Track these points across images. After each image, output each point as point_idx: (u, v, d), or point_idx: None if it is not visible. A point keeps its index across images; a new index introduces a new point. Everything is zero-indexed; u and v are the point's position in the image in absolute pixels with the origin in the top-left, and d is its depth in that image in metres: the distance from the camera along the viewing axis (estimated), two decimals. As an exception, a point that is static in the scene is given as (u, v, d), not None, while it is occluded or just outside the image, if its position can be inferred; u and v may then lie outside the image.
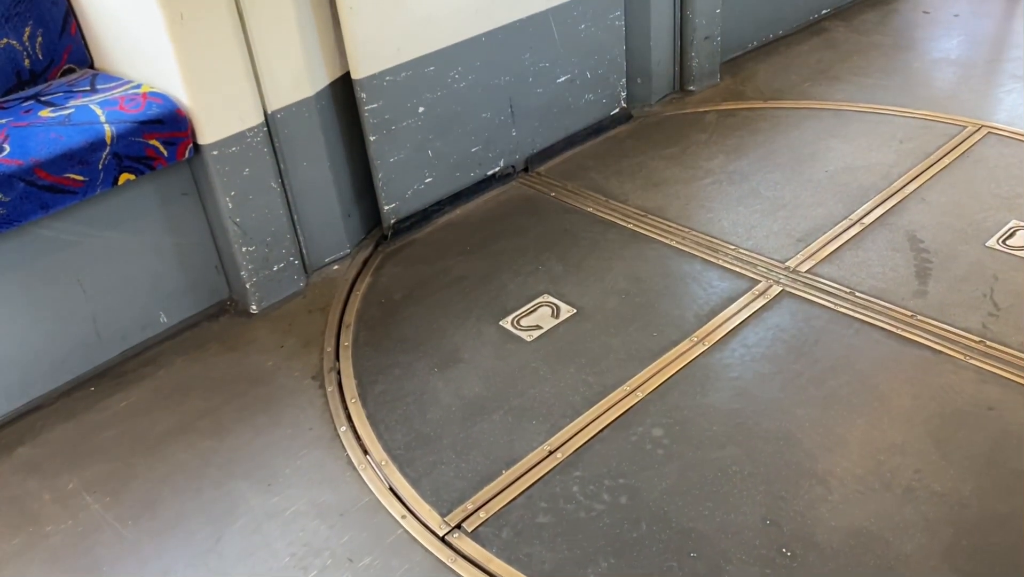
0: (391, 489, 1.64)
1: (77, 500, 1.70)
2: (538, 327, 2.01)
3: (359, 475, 1.69)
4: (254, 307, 2.18)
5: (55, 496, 1.71)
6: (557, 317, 2.03)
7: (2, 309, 1.85)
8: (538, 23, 2.51)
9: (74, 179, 1.80)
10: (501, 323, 2.04)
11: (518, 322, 2.03)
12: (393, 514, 1.60)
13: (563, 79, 2.65)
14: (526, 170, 2.67)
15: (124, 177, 1.88)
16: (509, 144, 2.59)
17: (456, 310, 2.10)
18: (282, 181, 2.14)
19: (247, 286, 2.14)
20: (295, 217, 2.21)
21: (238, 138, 2.00)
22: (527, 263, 2.24)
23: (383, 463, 1.69)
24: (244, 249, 2.10)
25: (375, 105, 2.23)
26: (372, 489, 1.66)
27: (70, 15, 2.07)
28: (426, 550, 1.53)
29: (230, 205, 2.04)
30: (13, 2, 1.98)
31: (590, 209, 2.44)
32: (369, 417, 1.81)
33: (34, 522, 1.66)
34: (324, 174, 2.24)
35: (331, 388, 1.91)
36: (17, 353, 1.90)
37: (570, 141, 2.76)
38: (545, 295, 2.11)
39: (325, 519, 1.60)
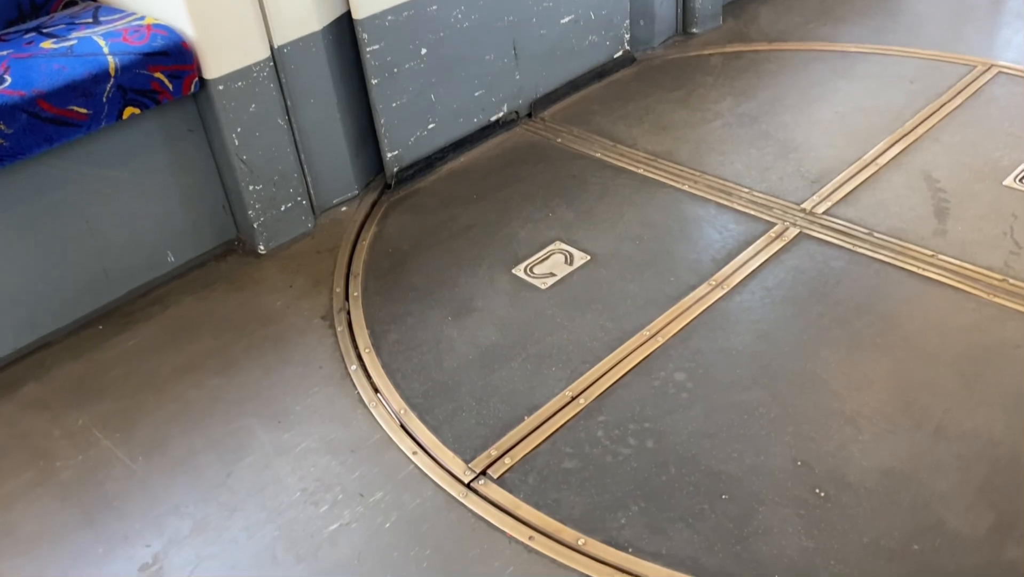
0: (412, 438, 1.61)
1: (86, 436, 1.68)
2: (552, 274, 1.97)
3: (370, 413, 1.67)
4: (262, 247, 2.13)
5: (64, 432, 1.69)
6: (571, 264, 1.99)
7: (8, 246, 1.81)
8: (542, -39, 2.42)
9: (78, 112, 1.74)
10: (513, 271, 1.99)
11: (531, 270, 1.99)
12: (404, 451, 1.59)
13: (567, 19, 2.57)
14: (530, 115, 2.60)
15: (129, 111, 1.82)
16: (512, 88, 2.52)
17: (467, 259, 2.05)
18: (289, 119, 2.08)
19: (254, 226, 2.10)
20: (302, 156, 2.15)
21: (244, 73, 1.94)
22: (536, 210, 2.19)
23: (402, 411, 1.66)
24: (251, 188, 2.05)
25: (377, 46, 2.15)
26: (383, 426, 1.64)
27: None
28: (437, 485, 1.52)
29: (236, 142, 1.98)
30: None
31: (598, 154, 2.39)
32: (384, 367, 1.77)
33: (44, 457, 1.64)
34: (331, 113, 2.18)
35: (341, 328, 1.87)
36: (24, 290, 1.87)
37: (574, 85, 2.70)
38: (557, 242, 2.07)
39: (336, 455, 1.59)
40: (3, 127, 1.65)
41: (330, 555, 1.42)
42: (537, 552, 1.39)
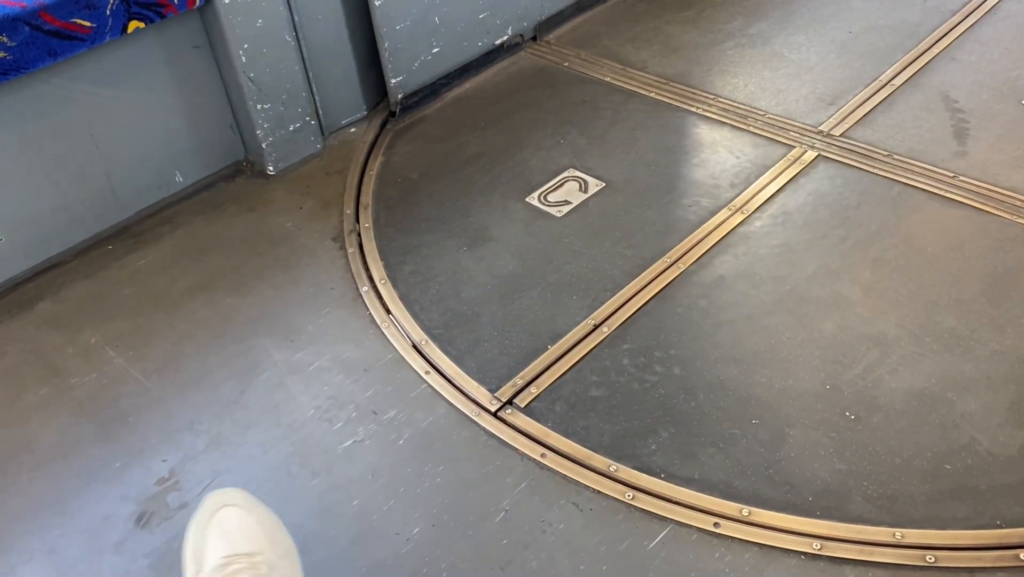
0: (426, 359, 1.60)
1: (100, 354, 1.67)
2: (567, 202, 1.93)
3: (382, 333, 1.67)
4: (271, 168, 2.10)
5: (78, 350, 1.69)
6: (586, 191, 1.95)
7: (16, 164, 1.78)
8: None
9: (81, 25, 1.68)
10: (527, 199, 1.95)
11: (545, 198, 1.95)
12: (417, 370, 1.59)
13: (573, -62, 2.47)
14: (535, 39, 2.52)
15: (133, 24, 1.76)
16: (517, 10, 2.44)
17: (479, 188, 2.01)
18: (296, 35, 2.02)
19: (263, 146, 2.06)
20: (310, 75, 2.10)
21: None
22: (547, 137, 2.14)
23: (423, 342, 1.64)
24: (259, 107, 2.00)
25: (380, -35, 2.06)
26: (396, 346, 1.64)
27: None
28: (450, 405, 1.52)
29: (243, 59, 1.93)
30: None
31: (608, 78, 2.32)
32: (402, 298, 1.75)
33: (58, 374, 1.64)
34: (340, 30, 2.12)
35: (352, 249, 1.86)
36: (33, 210, 1.84)
37: (579, 6, 2.61)
38: (571, 169, 2.02)
39: (349, 374, 1.59)
40: (5, 39, 1.60)
41: (345, 470, 1.43)
42: (549, 468, 1.40)
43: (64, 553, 1.36)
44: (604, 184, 1.96)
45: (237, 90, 2.01)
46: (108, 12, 1.71)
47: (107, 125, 1.89)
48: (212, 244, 1.93)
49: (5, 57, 1.63)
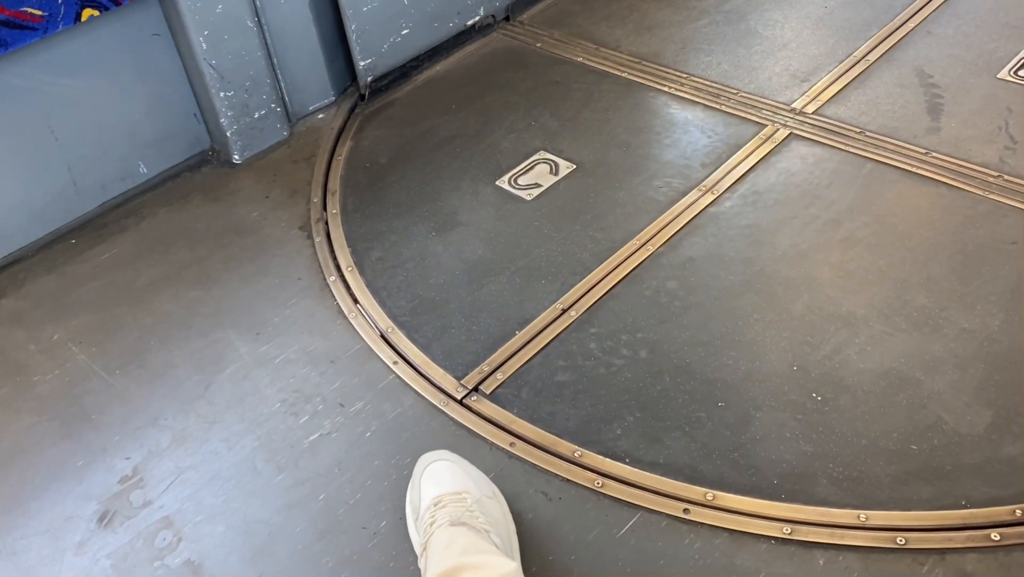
0: (393, 348, 1.58)
1: (63, 350, 1.65)
2: (537, 185, 1.91)
3: (349, 323, 1.65)
4: (237, 157, 2.07)
5: (41, 347, 1.67)
6: (556, 174, 1.93)
7: None
8: None
9: (32, 13, 1.64)
10: (497, 183, 1.93)
11: (515, 181, 1.93)
12: (384, 361, 1.57)
13: (543, -85, 2.43)
14: (508, 19, 2.49)
15: (87, 12, 1.72)
16: (488, -9, 2.40)
17: (448, 172, 1.98)
18: (259, 20, 1.98)
19: (228, 134, 2.03)
20: (274, 60, 2.07)
21: None
22: (519, 119, 2.11)
23: (389, 330, 1.62)
24: (222, 94, 1.97)
25: (344, -55, 2.02)
26: (363, 336, 1.62)
27: None
28: (418, 395, 1.50)
29: (204, 46, 1.89)
30: None
31: (580, 59, 2.29)
32: (368, 285, 1.72)
33: (20, 372, 1.62)
34: (304, 13, 2.08)
35: (319, 238, 1.83)
36: None
37: (552, -14, 2.57)
38: (541, 152, 2.00)
39: (315, 366, 1.57)
40: None
41: (310, 464, 1.42)
42: (518, 458, 1.39)
43: (24, 555, 1.34)
44: (575, 166, 1.94)
45: (199, 78, 1.97)
46: (60, 0, 1.67)
47: (65, 116, 1.85)
48: (177, 236, 1.90)
49: (-46, 48, 1.59)
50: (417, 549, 1.22)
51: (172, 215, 1.96)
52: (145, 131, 2.00)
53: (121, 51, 1.88)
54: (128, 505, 1.40)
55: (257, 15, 1.98)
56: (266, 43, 2.03)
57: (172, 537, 1.35)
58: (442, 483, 1.24)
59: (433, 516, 1.17)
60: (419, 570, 1.17)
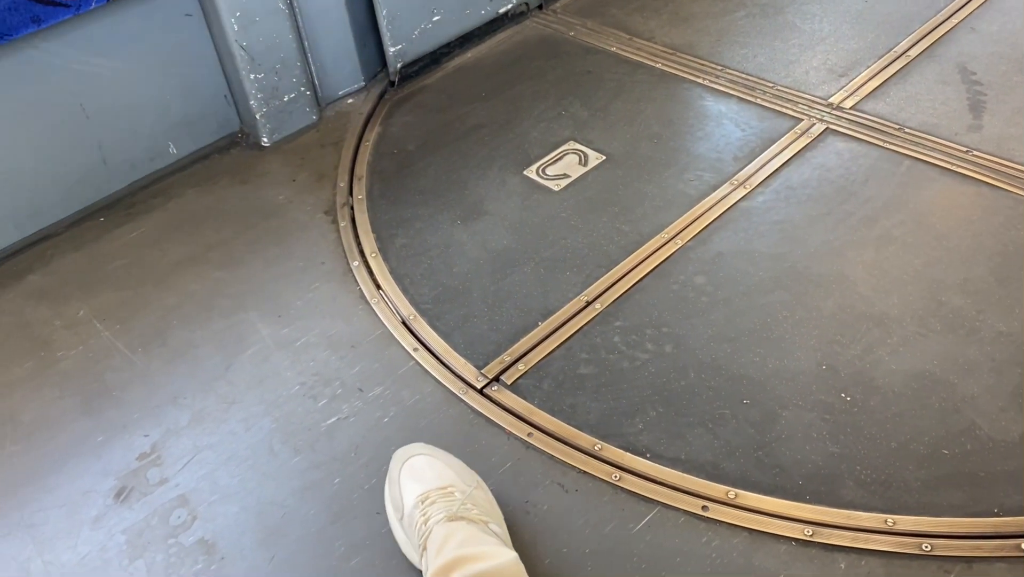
0: (414, 335, 1.56)
1: (87, 327, 1.66)
2: (566, 175, 1.88)
3: (371, 309, 1.64)
4: (265, 139, 2.07)
5: (65, 323, 1.67)
6: (585, 165, 1.90)
7: (4, 134, 1.76)
8: None
9: None
10: (525, 172, 1.91)
11: (544, 171, 1.90)
12: (405, 347, 1.56)
13: (580, -97, 2.40)
14: (540, 7, 2.46)
15: None
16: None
17: (476, 160, 1.96)
18: (290, 2, 1.98)
19: (257, 117, 2.03)
20: (305, 44, 2.06)
21: None
22: (549, 109, 2.08)
23: (411, 317, 1.61)
24: (252, 77, 1.97)
25: (377, -71, 2.01)
26: (384, 323, 1.61)
27: None
28: (437, 382, 1.49)
29: (235, 27, 1.89)
30: None
31: (613, 48, 2.26)
32: (392, 272, 1.71)
33: (45, 347, 1.63)
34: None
35: (344, 223, 1.83)
36: (24, 180, 1.83)
37: (587, -25, 2.54)
38: (571, 142, 1.97)
39: (336, 350, 1.56)
40: None
41: (327, 448, 1.41)
42: (535, 448, 1.37)
43: (42, 527, 1.35)
44: (604, 157, 1.91)
45: (230, 60, 1.97)
46: (93, -23, 1.68)
47: (97, 95, 1.86)
48: (204, 216, 1.91)
49: (-10, 26, 1.60)
50: (404, 549, 1.21)
51: (200, 196, 1.96)
52: (175, 112, 2.01)
53: (153, 31, 1.88)
54: (145, 482, 1.40)
55: (290, -3, 1.98)
56: (297, 26, 2.02)
57: (187, 515, 1.34)
58: (424, 479, 1.21)
59: (425, 514, 1.15)
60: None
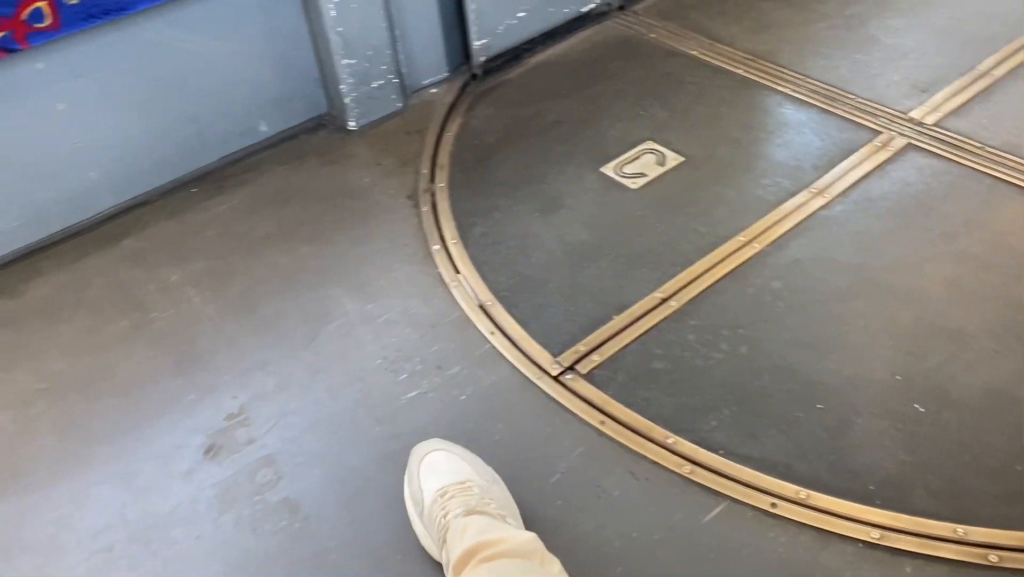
0: (491, 319, 1.61)
1: (179, 292, 1.74)
2: (643, 175, 1.92)
3: (450, 292, 1.69)
4: (352, 124, 2.14)
5: (159, 286, 1.76)
6: (663, 165, 1.93)
7: (110, 103, 1.86)
8: None
9: None
10: (603, 169, 1.94)
11: (621, 169, 1.94)
12: (482, 330, 1.61)
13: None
14: (622, 8, 2.50)
15: None
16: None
17: (555, 155, 2.01)
18: None
19: (346, 101, 2.10)
20: (396, 33, 2.12)
21: None
22: (628, 108, 2.12)
23: (488, 303, 1.66)
24: (344, 62, 2.04)
25: (473, -74, 2.06)
26: (462, 306, 1.66)
27: None
28: (513, 367, 1.54)
29: (333, 13, 1.96)
30: None
31: (694, 52, 2.29)
32: (471, 258, 1.76)
33: (139, 308, 1.72)
34: (427, -8, 2.14)
35: (425, 209, 1.89)
36: (124, 149, 1.92)
37: (670, -21, 2.56)
38: (649, 142, 2.00)
39: (416, 328, 1.62)
40: None
41: (407, 420, 1.46)
42: (608, 436, 1.40)
43: (136, 477, 1.43)
44: (683, 159, 1.94)
45: (324, 44, 2.04)
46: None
47: (197, 71, 1.94)
48: (292, 194, 1.98)
49: (109, -2, 1.68)
50: (424, 543, 1.25)
51: (288, 174, 2.04)
52: (268, 91, 2.08)
53: (253, 13, 1.96)
54: (233, 441, 1.47)
55: (384, -13, 2.04)
56: (390, 16, 2.09)
57: (272, 475, 1.41)
58: (442, 474, 1.23)
59: (444, 508, 1.16)
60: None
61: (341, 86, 2.09)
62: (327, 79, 2.13)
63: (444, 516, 1.15)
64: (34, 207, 1.87)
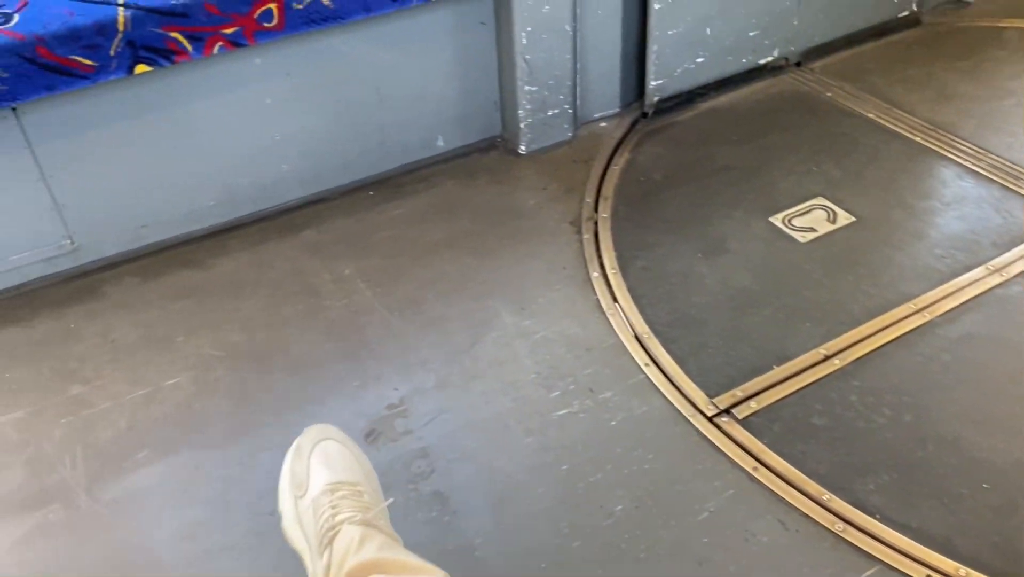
0: (646, 351, 1.64)
1: (352, 285, 1.84)
2: (812, 229, 1.91)
3: (607, 319, 1.73)
4: (523, 148, 2.22)
5: (333, 277, 1.87)
6: (833, 222, 1.92)
7: (311, 102, 2.00)
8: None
9: None
10: (771, 219, 1.95)
11: (790, 221, 1.94)
12: (636, 360, 1.63)
13: (860, -29, 2.43)
14: (799, 64, 2.50)
15: None
16: (788, 33, 2.43)
17: (722, 199, 2.02)
18: (575, 25, 2.12)
19: (521, 126, 2.19)
20: (578, 65, 2.19)
21: None
22: (800, 162, 2.12)
23: (645, 335, 1.68)
24: (526, 88, 2.13)
25: (668, -28, 2.12)
26: (618, 333, 1.69)
27: None
28: (665, 400, 1.55)
29: (524, 41, 2.06)
30: None
31: (871, 115, 2.27)
32: (630, 290, 1.80)
33: (315, 295, 1.83)
34: (614, 27, 2.22)
35: (588, 236, 1.94)
36: (315, 146, 2.06)
37: (851, 40, 2.56)
38: (820, 198, 2.00)
39: (571, 349, 1.66)
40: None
41: (557, 436, 1.50)
42: (760, 483, 1.40)
43: (304, 448, 1.51)
44: (854, 219, 1.93)
45: (510, 70, 2.13)
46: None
47: (390, 83, 2.06)
48: (462, 207, 2.07)
49: (328, 6, 1.82)
50: (287, 525, 1.15)
51: (460, 188, 2.13)
52: (450, 109, 2.19)
53: (447, 34, 2.07)
54: (392, 429, 1.54)
55: (575, 21, 2.11)
56: (575, 48, 2.16)
57: (426, 467, 1.47)
58: (336, 468, 1.15)
59: (336, 506, 1.09)
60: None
61: (519, 111, 2.17)
62: (506, 103, 2.22)
63: (334, 515, 1.09)
64: (230, 190, 2.02)
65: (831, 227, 1.91)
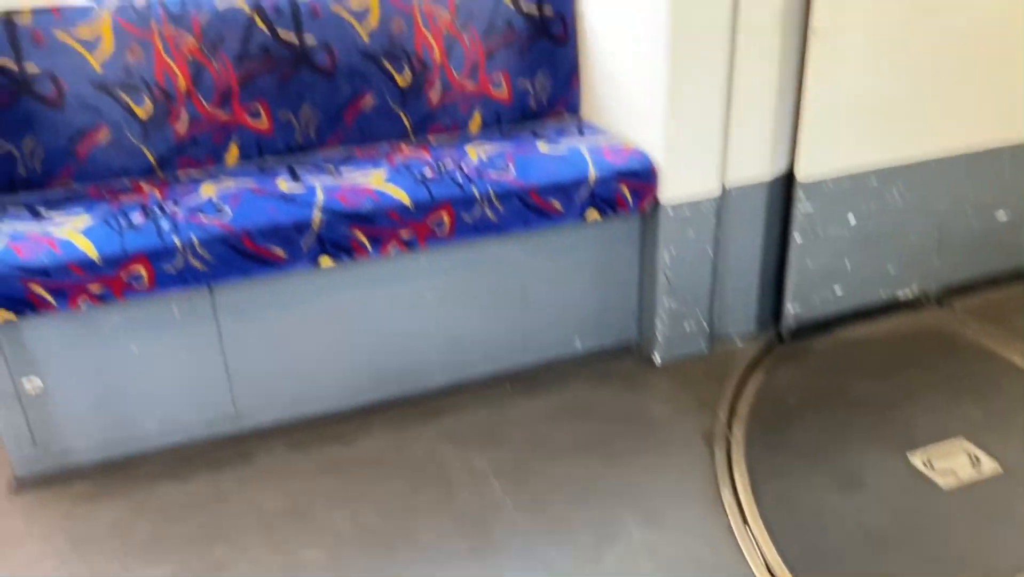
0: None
1: (483, 478, 1.90)
2: (953, 473, 1.86)
3: (737, 545, 1.70)
4: (657, 357, 2.29)
5: (465, 467, 1.94)
6: (978, 469, 1.87)
7: (461, 300, 2.15)
8: (993, 157, 2.38)
9: (554, 206, 2.05)
10: (909, 457, 1.91)
11: (930, 462, 1.90)
12: None
13: (1003, 218, 2.48)
14: (939, 302, 2.51)
15: (592, 215, 2.10)
16: (927, 271, 2.47)
17: (857, 431, 2.01)
18: (715, 250, 2.23)
19: (658, 337, 2.27)
20: (716, 285, 2.28)
21: (694, 204, 2.16)
22: (939, 401, 2.09)
23: (777, 567, 1.64)
24: (666, 302, 2.22)
25: (810, 208, 2.24)
26: (749, 563, 1.65)
27: (575, 71, 2.39)
28: None
29: (667, 259, 2.18)
30: (538, 55, 2.33)
31: (1016, 360, 2.23)
32: (762, 517, 1.78)
33: (447, 484, 1.90)
34: (753, 255, 2.32)
35: (719, 453, 1.94)
36: (461, 337, 2.19)
37: (995, 281, 2.57)
38: (962, 440, 1.95)
39: (700, 572, 1.64)
40: (500, 207, 2.00)
41: None
42: None
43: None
44: (1002, 469, 1.87)
45: (651, 283, 2.25)
46: (578, 200, 2.07)
47: (538, 283, 2.20)
48: (594, 409, 2.13)
49: (493, 220, 2.01)
50: None
51: (593, 390, 2.20)
52: (590, 313, 2.30)
53: (594, 247, 2.22)
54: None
55: (716, 245, 2.23)
56: (715, 269, 2.27)
57: None
58: None
59: None
60: None
61: (656, 322, 2.26)
62: (643, 313, 2.32)
63: None
64: (380, 371, 2.16)
65: (976, 474, 1.85)
